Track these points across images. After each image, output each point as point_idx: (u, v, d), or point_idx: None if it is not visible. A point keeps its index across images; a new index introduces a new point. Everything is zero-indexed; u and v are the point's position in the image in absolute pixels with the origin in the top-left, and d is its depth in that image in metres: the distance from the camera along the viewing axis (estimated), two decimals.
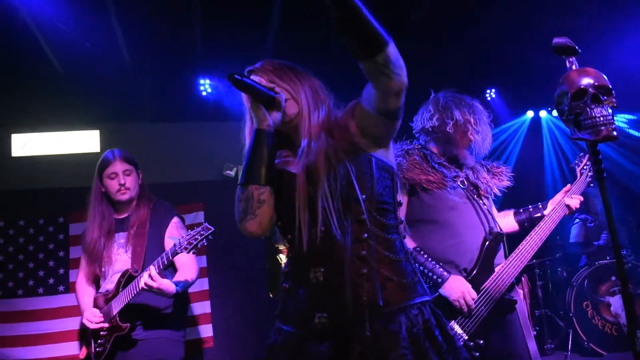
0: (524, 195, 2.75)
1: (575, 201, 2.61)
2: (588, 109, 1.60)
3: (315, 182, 1.48)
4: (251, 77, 1.56)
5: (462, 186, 2.44)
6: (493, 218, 2.49)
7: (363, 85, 1.46)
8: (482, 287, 2.33)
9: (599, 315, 4.90)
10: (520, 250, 2.44)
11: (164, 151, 5.16)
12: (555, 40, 1.72)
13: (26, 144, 5.09)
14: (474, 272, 2.34)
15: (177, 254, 2.46)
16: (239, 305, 4.86)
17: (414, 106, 2.60)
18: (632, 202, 5.88)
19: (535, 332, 3.18)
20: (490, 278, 2.35)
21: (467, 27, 4.85)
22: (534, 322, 5.11)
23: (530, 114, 6.98)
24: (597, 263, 5.08)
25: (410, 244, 2.34)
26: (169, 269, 2.67)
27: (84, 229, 2.88)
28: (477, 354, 2.23)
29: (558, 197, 2.67)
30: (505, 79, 5.96)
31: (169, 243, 2.71)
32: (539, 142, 7.09)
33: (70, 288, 4.52)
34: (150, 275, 2.45)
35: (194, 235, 2.45)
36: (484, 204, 2.48)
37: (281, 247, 5.23)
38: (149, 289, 2.46)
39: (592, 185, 2.70)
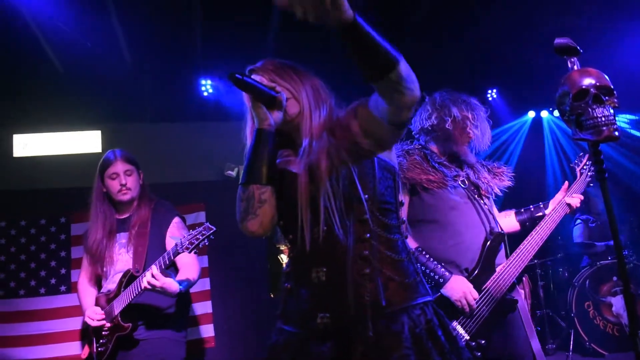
0: (525, 195, 2.75)
1: (575, 200, 2.62)
2: (590, 109, 1.60)
3: (317, 181, 1.47)
4: (252, 76, 1.56)
5: (462, 186, 2.44)
6: (494, 218, 2.49)
7: (363, 85, 1.45)
8: (483, 287, 2.33)
9: (601, 316, 4.90)
10: (522, 250, 2.44)
11: (165, 151, 5.17)
12: (557, 40, 1.72)
13: (28, 145, 5.10)
14: (476, 272, 2.34)
15: (179, 253, 2.47)
16: (240, 305, 4.86)
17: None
18: (634, 203, 5.88)
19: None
20: (492, 278, 2.35)
21: (468, 27, 4.85)
22: (535, 322, 5.10)
23: (531, 114, 6.97)
24: (598, 263, 5.07)
25: (412, 244, 2.34)
26: (171, 269, 2.67)
27: (86, 229, 2.88)
28: (479, 353, 2.23)
29: (558, 196, 2.67)
30: (506, 79, 5.95)
31: (170, 243, 2.72)
32: (540, 142, 7.08)
33: (71, 288, 4.53)
34: (152, 274, 2.45)
35: (196, 235, 2.45)
36: (485, 203, 2.48)
37: (282, 247, 5.23)
38: (152, 288, 2.45)
39: (591, 184, 2.70)
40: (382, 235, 1.49)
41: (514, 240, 2.56)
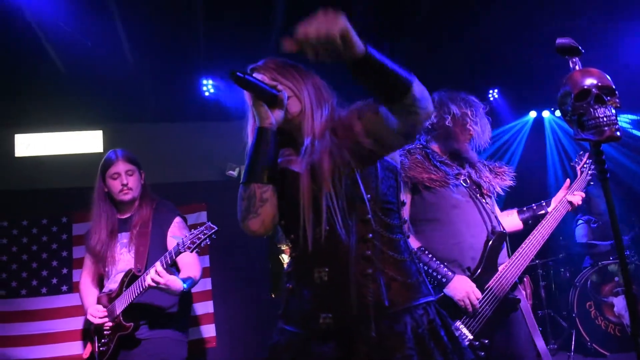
0: (527, 195, 2.75)
1: (577, 197, 2.62)
2: (591, 110, 1.60)
3: (319, 181, 1.47)
4: (254, 74, 1.55)
5: (464, 185, 2.45)
6: (496, 217, 2.49)
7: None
8: (486, 287, 2.33)
9: (602, 316, 4.89)
10: (524, 248, 2.44)
11: (166, 151, 5.18)
12: (559, 40, 1.72)
13: (29, 145, 5.11)
14: (478, 271, 2.34)
15: (180, 253, 2.47)
16: (241, 305, 4.87)
17: None
18: (636, 203, 5.87)
19: None
20: (494, 277, 2.35)
21: (469, 27, 4.84)
22: (537, 322, 5.09)
23: (533, 114, 6.96)
24: (600, 264, 5.07)
25: (414, 243, 2.35)
26: (173, 268, 2.67)
27: (88, 229, 2.89)
28: (483, 353, 2.23)
29: (560, 194, 2.68)
30: (507, 79, 5.95)
31: (171, 242, 2.72)
32: (541, 142, 7.07)
33: (73, 288, 4.54)
34: (156, 271, 2.45)
35: (197, 235, 2.45)
36: (487, 202, 2.49)
37: (283, 247, 5.23)
38: (156, 285, 2.45)
39: (592, 183, 2.71)
40: (385, 235, 1.49)
41: (516, 239, 2.56)
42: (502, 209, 2.74)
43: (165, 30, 4.39)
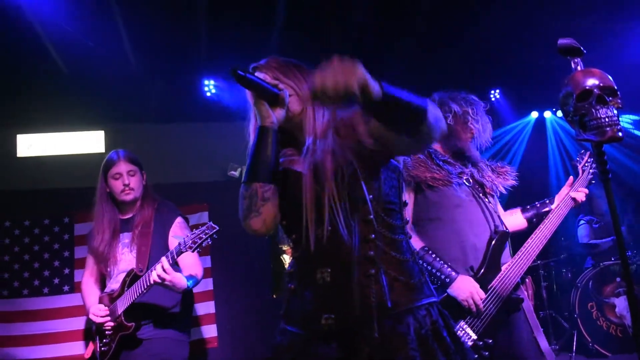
0: (529, 196, 2.75)
1: (581, 194, 2.63)
2: (593, 110, 1.60)
3: (322, 181, 1.47)
4: (256, 73, 1.55)
5: (467, 184, 2.45)
6: (498, 216, 2.49)
7: None
8: (489, 286, 2.33)
9: (604, 317, 4.89)
10: (526, 248, 2.43)
11: (168, 152, 5.18)
12: (560, 41, 1.72)
13: (31, 145, 5.12)
14: (482, 271, 2.34)
15: (182, 252, 2.47)
16: (243, 305, 4.87)
17: None
18: (638, 203, 5.86)
19: None
20: (498, 277, 2.35)
21: (471, 28, 4.84)
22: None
23: (534, 114, 6.96)
24: (601, 264, 5.06)
25: (418, 243, 2.34)
26: (175, 268, 2.68)
27: (90, 229, 2.89)
28: (487, 353, 2.23)
29: (564, 191, 2.68)
30: (509, 79, 5.94)
31: (173, 242, 2.72)
32: (543, 142, 7.07)
33: (75, 288, 4.54)
34: (163, 267, 2.45)
35: (199, 234, 2.46)
36: (490, 202, 2.49)
37: (285, 248, 5.23)
38: (162, 281, 2.45)
39: (593, 182, 2.71)
40: (387, 236, 1.49)
41: (518, 239, 2.56)
42: (504, 209, 2.74)
43: (167, 30, 4.40)
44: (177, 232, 2.77)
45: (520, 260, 2.40)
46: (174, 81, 5.08)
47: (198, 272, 2.73)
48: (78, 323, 4.38)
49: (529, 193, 2.75)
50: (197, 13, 4.25)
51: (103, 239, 2.76)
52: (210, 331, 4.71)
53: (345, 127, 1.54)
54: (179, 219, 2.86)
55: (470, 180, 2.47)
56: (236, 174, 5.17)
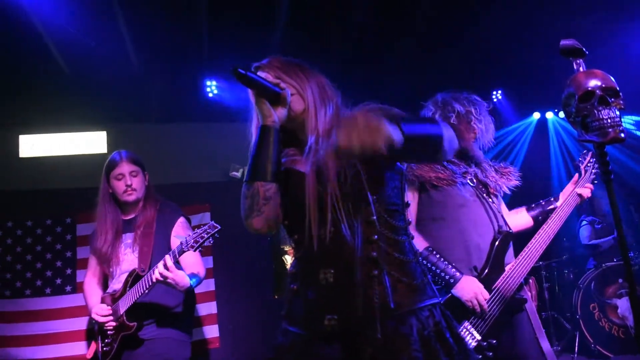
0: (531, 196, 2.75)
1: (587, 190, 2.63)
2: (595, 111, 1.59)
3: (325, 181, 1.46)
4: (258, 73, 1.55)
5: (471, 184, 2.45)
6: (502, 217, 2.49)
7: (370, 85, 1.46)
8: (493, 287, 2.33)
9: (606, 318, 4.88)
10: (530, 248, 2.43)
11: (170, 152, 5.19)
12: (563, 42, 1.72)
13: (34, 145, 5.13)
14: (485, 271, 2.34)
15: (184, 251, 2.47)
16: (245, 306, 4.87)
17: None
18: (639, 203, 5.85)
19: None
20: (501, 277, 2.35)
21: (473, 29, 4.84)
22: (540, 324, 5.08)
23: (536, 115, 6.96)
24: (604, 265, 5.06)
25: (422, 243, 2.34)
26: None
27: (93, 229, 2.90)
28: (491, 353, 2.23)
29: (569, 188, 2.68)
30: (511, 80, 5.94)
31: (175, 242, 2.73)
32: (545, 143, 7.06)
33: (77, 288, 4.55)
34: (165, 265, 2.45)
35: (201, 234, 2.46)
36: (493, 202, 2.48)
37: (286, 248, 5.24)
38: (164, 279, 2.45)
39: (595, 182, 2.71)
40: (390, 237, 1.49)
41: (521, 239, 2.55)
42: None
43: (169, 30, 4.40)
44: (180, 232, 2.77)
45: (524, 260, 2.39)
46: (176, 82, 5.09)
47: (200, 270, 2.73)
48: (80, 323, 4.39)
49: (531, 194, 2.75)
50: (199, 13, 4.25)
51: (106, 240, 2.76)
52: (212, 331, 4.72)
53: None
54: (181, 219, 2.87)
55: (474, 180, 2.47)
56: (238, 174, 5.17)
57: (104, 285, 2.91)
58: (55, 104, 4.89)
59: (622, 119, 1.62)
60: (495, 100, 6.25)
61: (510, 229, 2.46)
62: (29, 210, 4.79)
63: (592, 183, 2.71)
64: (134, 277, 2.66)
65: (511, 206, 2.78)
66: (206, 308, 4.72)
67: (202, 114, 5.41)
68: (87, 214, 3.08)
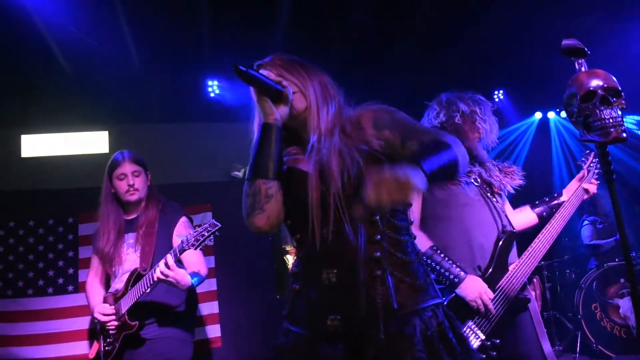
0: (532, 196, 2.75)
1: (593, 186, 2.63)
2: (597, 111, 1.60)
3: (328, 181, 1.46)
4: (260, 71, 1.55)
5: (475, 183, 2.45)
6: (506, 216, 2.48)
7: (370, 85, 1.46)
8: (497, 286, 2.32)
9: (608, 318, 4.87)
10: (534, 248, 2.42)
11: (172, 152, 5.19)
12: (564, 42, 1.72)
13: (36, 145, 5.13)
14: (489, 271, 2.33)
15: (185, 250, 2.47)
16: (246, 305, 4.87)
17: (426, 109, 2.63)
18: None
19: None
20: (505, 277, 2.34)
21: (474, 28, 4.84)
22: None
23: (538, 115, 6.96)
24: (605, 265, 5.05)
25: (426, 242, 2.33)
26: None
27: (95, 229, 2.91)
28: (494, 353, 2.23)
29: (573, 185, 2.67)
30: (513, 80, 5.94)
31: (177, 242, 2.73)
32: (547, 143, 7.06)
33: (79, 288, 4.55)
34: (166, 263, 2.45)
35: (201, 232, 2.46)
36: (497, 201, 2.48)
37: (288, 248, 5.24)
38: (165, 277, 2.45)
39: (598, 182, 2.70)
40: (393, 237, 1.48)
41: (524, 239, 2.55)
42: None
43: (171, 30, 4.41)
44: (182, 232, 2.78)
45: (528, 260, 2.39)
46: (177, 82, 5.09)
47: (202, 269, 2.73)
48: (82, 323, 4.39)
49: (533, 193, 2.74)
50: (200, 13, 4.26)
51: (108, 240, 2.77)
52: (213, 331, 4.72)
53: (352, 125, 1.54)
54: (183, 219, 2.87)
55: (478, 180, 2.47)
56: (240, 174, 5.17)
57: (107, 285, 2.91)
58: (57, 104, 4.89)
59: (624, 119, 1.62)
60: (496, 100, 6.24)
61: (514, 228, 2.45)
62: (31, 210, 4.79)
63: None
64: (135, 277, 2.67)
65: (512, 206, 2.77)
66: (208, 308, 4.72)
67: (203, 113, 5.41)
68: (89, 214, 3.08)
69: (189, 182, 5.09)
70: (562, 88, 1.74)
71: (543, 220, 2.63)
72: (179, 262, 2.61)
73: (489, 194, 2.47)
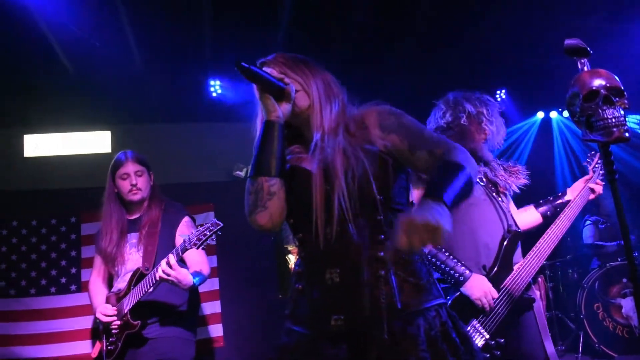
0: (535, 196, 2.74)
1: (599, 187, 2.63)
2: (600, 111, 1.60)
3: (332, 180, 1.45)
4: (263, 68, 1.55)
5: (481, 183, 2.44)
6: (512, 216, 2.48)
7: (370, 85, 1.46)
8: (502, 286, 2.32)
9: (610, 317, 4.87)
10: (538, 248, 2.42)
11: (174, 152, 5.20)
12: (567, 41, 1.72)
13: (38, 145, 5.14)
14: (494, 270, 2.33)
15: (187, 249, 2.47)
16: (249, 305, 4.88)
17: (427, 109, 2.62)
18: None
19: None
20: (510, 276, 2.34)
21: (476, 28, 4.83)
22: None
23: (540, 114, 6.95)
24: (608, 265, 5.05)
25: None
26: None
27: (98, 228, 2.91)
28: (498, 352, 2.22)
29: (579, 184, 2.66)
30: (515, 80, 5.93)
31: (180, 241, 2.73)
32: (549, 142, 7.05)
33: (81, 287, 4.57)
34: (168, 263, 2.45)
35: (203, 231, 2.46)
36: (503, 201, 2.48)
37: (290, 248, 5.24)
38: (167, 277, 2.45)
39: (604, 183, 2.70)
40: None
41: (528, 238, 2.54)
42: None
43: (173, 30, 4.41)
44: (184, 231, 2.78)
45: (533, 260, 2.39)
46: (180, 81, 5.10)
47: (204, 269, 2.73)
48: (85, 322, 4.40)
49: (535, 193, 2.73)
50: (203, 13, 4.26)
51: (111, 240, 2.77)
52: (216, 330, 4.73)
53: (356, 125, 1.53)
54: (186, 219, 2.88)
55: (484, 180, 2.46)
56: (242, 174, 5.17)
57: (109, 284, 2.92)
58: (59, 104, 4.90)
59: (627, 118, 1.62)
60: (499, 99, 6.24)
61: (519, 228, 2.45)
62: (34, 209, 4.80)
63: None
64: (138, 276, 2.67)
65: (515, 206, 2.77)
66: (210, 307, 4.73)
67: (205, 113, 5.42)
68: (92, 214, 3.09)
69: (191, 182, 5.10)
70: (564, 87, 1.74)
71: (547, 219, 2.63)
72: (182, 262, 2.61)
73: (494, 194, 2.46)
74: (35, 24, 4.01)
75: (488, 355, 2.20)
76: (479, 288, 2.25)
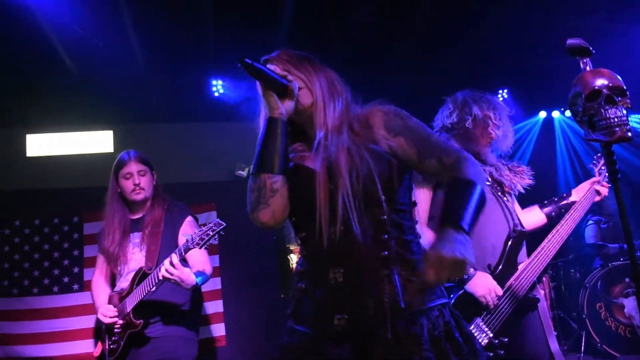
0: (537, 196, 2.74)
1: (605, 189, 2.62)
2: (602, 110, 1.60)
3: (336, 179, 1.45)
4: (267, 65, 1.55)
5: (487, 183, 2.44)
6: (517, 216, 2.47)
7: (370, 85, 1.46)
8: (506, 285, 2.32)
9: (612, 317, 4.86)
10: (543, 248, 2.42)
11: (176, 151, 5.20)
12: (569, 41, 1.72)
13: (41, 145, 5.15)
14: (499, 269, 2.33)
15: (190, 249, 2.47)
16: (251, 304, 4.88)
17: (428, 109, 2.62)
18: None
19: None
20: (515, 276, 2.34)
21: (478, 27, 4.83)
22: None
23: (542, 114, 6.94)
24: (610, 264, 5.04)
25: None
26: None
27: (101, 228, 2.92)
28: (502, 352, 2.22)
29: (584, 186, 2.65)
30: (517, 79, 5.93)
31: (182, 241, 2.74)
32: (551, 142, 7.04)
33: (84, 286, 4.57)
34: (171, 262, 2.46)
35: (206, 231, 2.46)
36: (508, 200, 2.47)
37: (292, 247, 5.24)
38: (170, 276, 2.46)
39: (609, 185, 2.70)
40: (399, 237, 1.47)
41: (531, 238, 2.54)
42: None
43: (175, 30, 4.42)
44: (187, 231, 2.78)
45: (537, 260, 2.38)
46: (182, 81, 5.10)
47: (207, 268, 2.73)
48: (87, 321, 4.41)
49: (537, 193, 2.73)
50: (205, 13, 4.27)
51: (114, 239, 2.78)
52: (218, 330, 4.73)
53: (361, 124, 1.53)
54: (189, 218, 2.88)
55: (489, 179, 2.45)
56: (244, 173, 5.18)
57: (112, 283, 2.92)
58: (61, 103, 4.91)
59: (629, 118, 1.62)
60: (501, 99, 6.23)
61: (524, 228, 2.44)
62: (36, 209, 4.81)
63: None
64: (140, 275, 2.68)
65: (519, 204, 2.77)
66: (213, 306, 4.73)
67: (207, 113, 5.43)
68: (94, 213, 3.10)
69: (194, 181, 5.10)
70: (566, 87, 1.74)
71: (552, 220, 2.62)
72: (184, 261, 2.61)
73: (499, 193, 2.45)
74: (38, 24, 4.02)
75: (491, 355, 2.20)
76: (483, 285, 2.25)
